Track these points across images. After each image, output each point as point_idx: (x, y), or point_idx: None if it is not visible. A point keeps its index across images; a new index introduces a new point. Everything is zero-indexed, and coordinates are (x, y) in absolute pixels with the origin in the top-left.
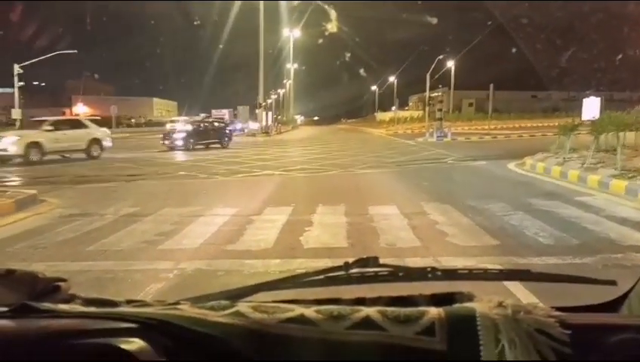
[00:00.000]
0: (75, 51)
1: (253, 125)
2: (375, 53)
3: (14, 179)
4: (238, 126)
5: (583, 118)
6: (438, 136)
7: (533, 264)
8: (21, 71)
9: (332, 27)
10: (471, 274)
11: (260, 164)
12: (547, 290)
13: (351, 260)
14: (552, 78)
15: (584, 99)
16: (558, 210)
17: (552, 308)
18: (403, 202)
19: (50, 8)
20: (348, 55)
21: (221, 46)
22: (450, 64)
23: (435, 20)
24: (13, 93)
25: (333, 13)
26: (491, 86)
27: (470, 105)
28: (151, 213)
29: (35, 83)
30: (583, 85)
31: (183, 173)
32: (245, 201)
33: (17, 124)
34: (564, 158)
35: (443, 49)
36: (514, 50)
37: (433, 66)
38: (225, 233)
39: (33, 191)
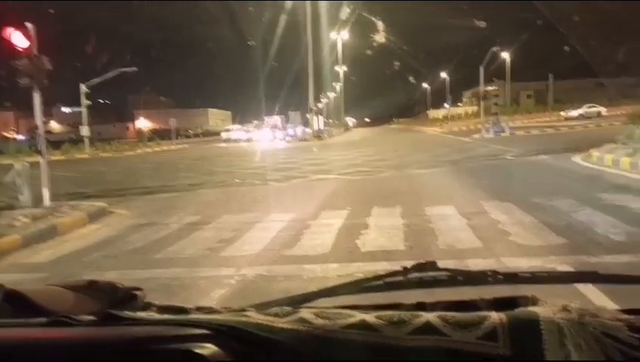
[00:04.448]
0: (135, 68)
1: (305, 130)
2: (424, 56)
3: (85, 192)
4: (291, 131)
5: None
6: (495, 132)
7: (604, 263)
8: (88, 91)
9: (380, 38)
10: (534, 277)
11: (313, 169)
12: (621, 291)
13: (409, 265)
14: (618, 63)
15: None
16: (629, 204)
17: (621, 310)
18: (461, 202)
19: (117, 34)
20: (398, 58)
21: (275, 63)
22: (505, 56)
23: (483, 23)
24: (81, 112)
25: (380, 24)
26: (550, 76)
27: (529, 97)
28: (212, 220)
29: (100, 101)
30: None
31: (238, 180)
32: (301, 206)
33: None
34: (634, 149)
35: (494, 47)
36: (571, 39)
37: (487, 59)
38: (283, 238)
39: (103, 204)
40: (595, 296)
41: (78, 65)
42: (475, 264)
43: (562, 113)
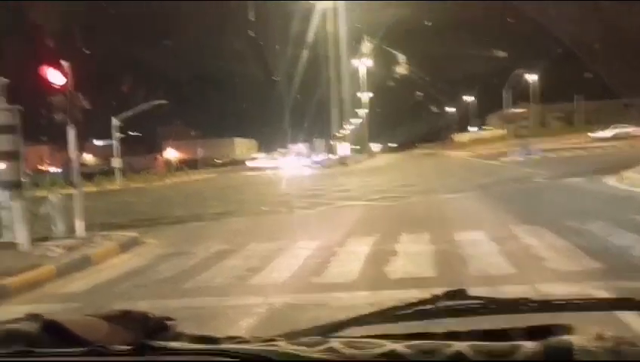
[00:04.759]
0: (165, 101)
1: (330, 157)
2: (448, 82)
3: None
4: (316, 158)
5: None
6: (523, 154)
7: None
8: (119, 124)
9: (403, 69)
10: (568, 305)
11: (339, 195)
12: None
13: (439, 292)
14: None
15: None
16: None
17: None
18: (491, 226)
19: (147, 70)
20: (421, 87)
21: (300, 92)
22: (530, 78)
23: (503, 54)
24: (113, 144)
25: (402, 57)
26: (578, 97)
27: (557, 118)
28: (239, 249)
29: (131, 133)
30: None
31: (265, 208)
32: (328, 233)
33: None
34: None
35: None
36: (594, 67)
37: (512, 82)
38: (310, 266)
39: (134, 234)
40: (637, 323)
41: (110, 99)
42: (509, 291)
43: (591, 134)
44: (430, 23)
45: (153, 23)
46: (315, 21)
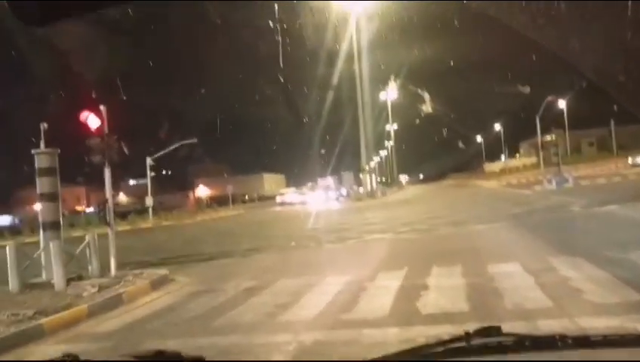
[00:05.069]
0: (195, 140)
1: (358, 189)
2: (477, 111)
3: (148, 260)
4: (344, 192)
5: None
6: (557, 182)
7: None
8: (153, 163)
9: (430, 105)
10: (606, 341)
11: (368, 228)
12: None
13: (472, 328)
14: None
15: None
16: None
17: None
18: (526, 258)
19: (179, 113)
20: (448, 121)
21: (328, 126)
22: (562, 105)
23: (527, 89)
24: (146, 184)
25: (428, 93)
26: (612, 122)
27: (591, 144)
28: (269, 285)
29: (163, 172)
30: None
31: (294, 244)
32: (357, 268)
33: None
34: None
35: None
36: (619, 98)
37: (543, 108)
38: (340, 302)
39: (165, 272)
40: None
41: (143, 140)
42: (546, 325)
43: (630, 159)
44: (453, 63)
45: (185, 68)
46: (341, 61)
